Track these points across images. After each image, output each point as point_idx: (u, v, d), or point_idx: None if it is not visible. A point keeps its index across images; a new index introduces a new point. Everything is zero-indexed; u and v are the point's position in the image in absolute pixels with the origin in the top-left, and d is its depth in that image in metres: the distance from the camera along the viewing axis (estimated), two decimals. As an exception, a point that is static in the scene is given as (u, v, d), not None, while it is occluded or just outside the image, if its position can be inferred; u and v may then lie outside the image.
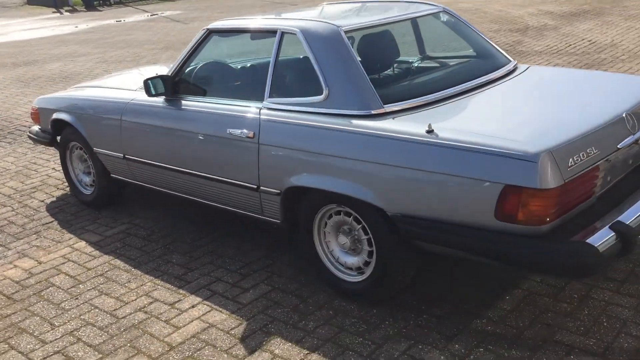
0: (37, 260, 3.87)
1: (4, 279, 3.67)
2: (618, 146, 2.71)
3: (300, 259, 3.59)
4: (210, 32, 3.66)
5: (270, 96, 3.27)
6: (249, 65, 4.14)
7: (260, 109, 3.26)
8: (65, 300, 3.38)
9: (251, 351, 2.83)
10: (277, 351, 2.82)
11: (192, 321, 3.10)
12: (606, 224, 2.52)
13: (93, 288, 3.49)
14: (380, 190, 2.79)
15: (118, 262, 3.77)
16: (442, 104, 3.03)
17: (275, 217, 3.33)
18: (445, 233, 2.64)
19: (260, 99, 3.31)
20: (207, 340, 2.94)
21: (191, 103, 3.63)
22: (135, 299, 3.34)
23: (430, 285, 3.23)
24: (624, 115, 2.81)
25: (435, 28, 3.77)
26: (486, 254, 2.59)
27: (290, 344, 2.87)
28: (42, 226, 4.38)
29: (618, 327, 2.78)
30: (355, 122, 2.90)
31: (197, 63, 3.80)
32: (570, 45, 8.92)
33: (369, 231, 2.96)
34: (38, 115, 4.82)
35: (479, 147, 2.51)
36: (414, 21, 3.65)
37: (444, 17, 3.75)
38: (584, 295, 3.04)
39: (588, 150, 2.56)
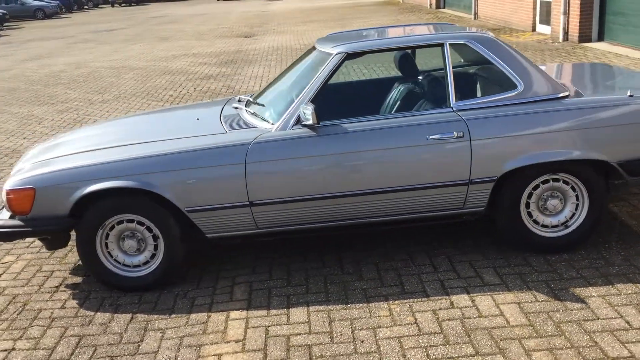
0: (227, 342, 3.21)
1: (240, 366, 3.01)
2: None
3: (471, 245, 3.99)
4: (347, 56, 3.73)
5: (457, 100, 3.65)
6: (392, 79, 4.29)
7: (455, 111, 3.62)
8: (353, 354, 3.07)
9: (580, 300, 3.29)
10: (589, 294, 3.36)
11: (503, 309, 3.30)
12: None
13: (353, 330, 3.22)
14: (602, 146, 3.60)
15: (319, 307, 3.46)
16: (576, 85, 4.00)
17: (479, 206, 3.72)
18: None
19: (442, 104, 3.68)
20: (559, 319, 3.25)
21: (359, 124, 3.63)
22: (406, 320, 3.27)
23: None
24: None
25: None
26: None
27: (582, 287, 3.43)
28: (139, 323, 3.47)
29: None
30: (566, 101, 3.64)
31: (330, 86, 3.77)
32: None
33: (577, 187, 3.71)
34: (32, 198, 3.66)
35: None
36: None
37: None
38: (651, 204, 4.43)
39: None
